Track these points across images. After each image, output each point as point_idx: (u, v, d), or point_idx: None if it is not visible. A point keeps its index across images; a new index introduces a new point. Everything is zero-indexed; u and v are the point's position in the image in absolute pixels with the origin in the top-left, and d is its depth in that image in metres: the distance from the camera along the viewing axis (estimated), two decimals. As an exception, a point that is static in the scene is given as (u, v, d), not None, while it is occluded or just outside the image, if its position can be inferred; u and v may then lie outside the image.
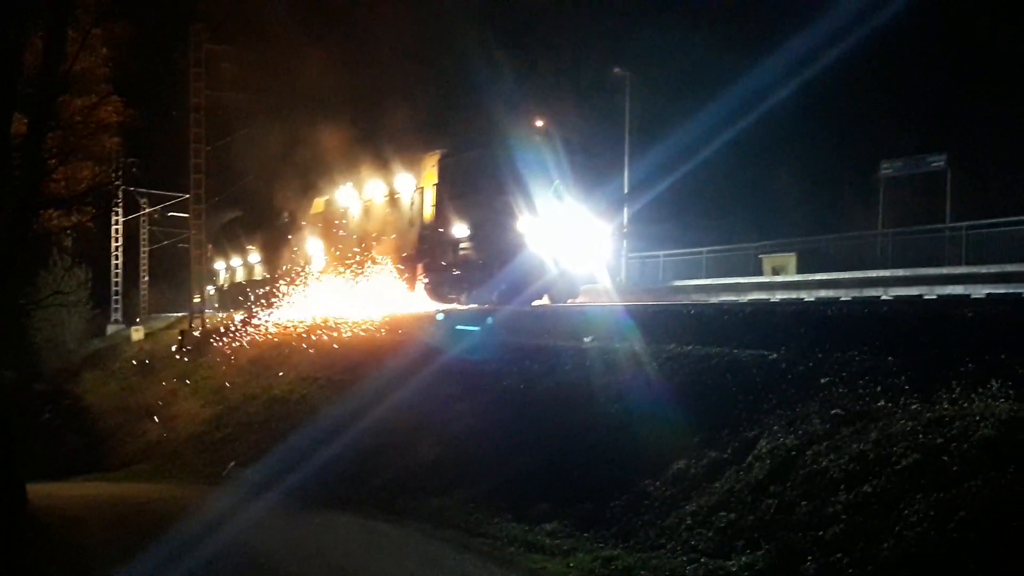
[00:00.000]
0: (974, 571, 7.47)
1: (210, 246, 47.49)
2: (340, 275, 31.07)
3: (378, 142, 30.99)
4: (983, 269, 24.71)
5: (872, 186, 33.49)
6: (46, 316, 39.15)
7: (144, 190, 45.70)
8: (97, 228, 36.61)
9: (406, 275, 27.52)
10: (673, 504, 10.81)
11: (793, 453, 10.21)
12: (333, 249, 32.72)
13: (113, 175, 29.04)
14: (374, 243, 29.62)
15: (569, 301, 25.04)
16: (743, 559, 9.19)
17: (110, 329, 46.63)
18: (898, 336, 11.79)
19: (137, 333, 43.11)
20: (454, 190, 25.40)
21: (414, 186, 27.65)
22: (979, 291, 22.73)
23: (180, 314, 43.14)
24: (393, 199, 29.38)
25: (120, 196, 42.03)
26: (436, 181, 26.16)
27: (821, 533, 8.86)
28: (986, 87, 34.81)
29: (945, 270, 26.25)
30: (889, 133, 36.69)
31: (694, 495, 10.73)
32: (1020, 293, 21.29)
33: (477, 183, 24.50)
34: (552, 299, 24.79)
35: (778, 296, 27.36)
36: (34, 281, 34.34)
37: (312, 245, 35.04)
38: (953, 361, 10.54)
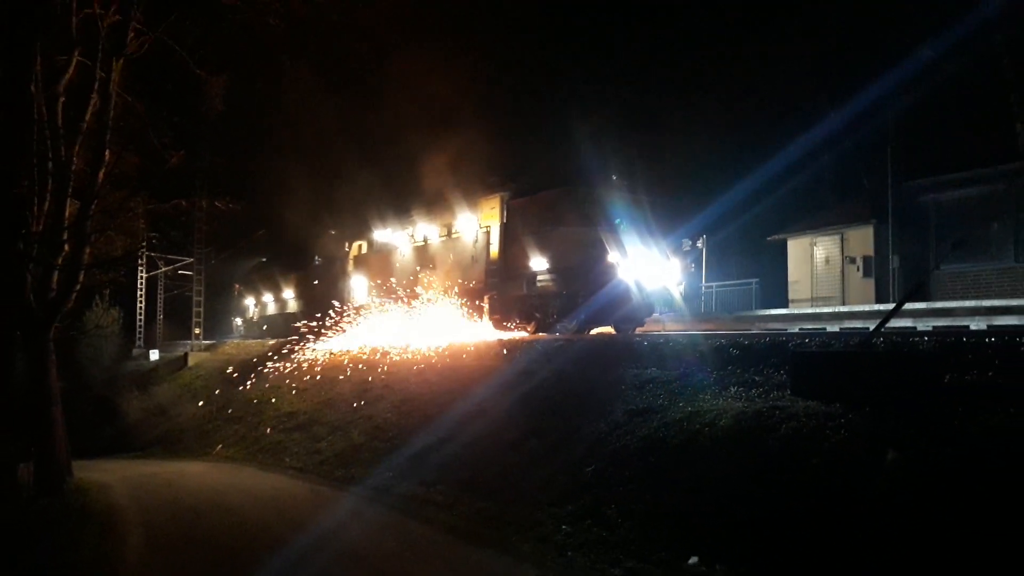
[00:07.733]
0: (717, 518, 7.65)
1: (237, 286, 45.66)
2: (388, 309, 24.60)
3: (436, 183, 23.56)
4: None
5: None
6: (89, 343, 37.65)
7: (161, 255, 43.92)
8: (127, 281, 36.01)
9: (471, 307, 21.76)
10: (527, 472, 10.79)
11: (603, 435, 10.32)
12: (381, 283, 25.87)
13: (140, 245, 28.27)
14: (430, 279, 23.48)
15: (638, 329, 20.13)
16: (570, 507, 9.21)
17: (135, 352, 44.58)
18: (673, 356, 12.09)
19: (155, 355, 41.57)
20: (529, 226, 20.23)
21: (478, 224, 22.03)
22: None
23: (187, 341, 41.54)
24: (451, 237, 23.29)
25: (144, 259, 40.63)
26: (505, 219, 21.05)
27: (621, 489, 8.95)
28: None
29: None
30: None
31: (542, 465, 10.73)
32: (750, 330, 22.04)
33: (558, 218, 19.43)
34: (617, 328, 19.85)
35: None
36: (81, 318, 33.20)
37: (355, 284, 28.69)
38: (708, 372, 10.87)
